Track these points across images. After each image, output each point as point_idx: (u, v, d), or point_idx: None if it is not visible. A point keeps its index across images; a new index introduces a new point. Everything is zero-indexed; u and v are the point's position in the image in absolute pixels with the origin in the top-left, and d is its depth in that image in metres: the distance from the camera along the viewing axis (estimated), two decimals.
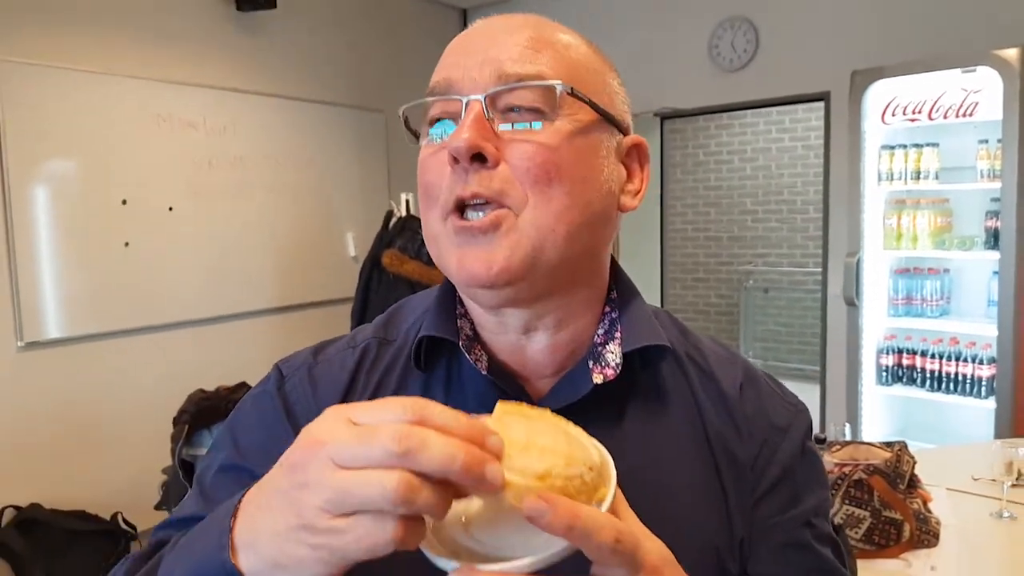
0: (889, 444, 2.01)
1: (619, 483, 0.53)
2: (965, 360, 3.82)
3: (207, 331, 4.34)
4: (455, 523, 0.54)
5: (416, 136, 0.74)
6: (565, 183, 0.67)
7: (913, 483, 1.92)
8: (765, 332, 7.39)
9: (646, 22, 5.13)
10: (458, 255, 0.68)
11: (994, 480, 2.08)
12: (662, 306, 3.76)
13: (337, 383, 0.76)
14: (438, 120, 0.71)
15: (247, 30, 4.50)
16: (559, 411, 0.57)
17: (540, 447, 0.50)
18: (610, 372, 0.72)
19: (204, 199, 4.27)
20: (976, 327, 3.78)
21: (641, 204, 0.77)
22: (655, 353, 0.74)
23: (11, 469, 3.55)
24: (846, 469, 1.88)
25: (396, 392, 0.76)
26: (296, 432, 0.50)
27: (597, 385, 0.71)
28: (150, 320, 4.07)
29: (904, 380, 4.07)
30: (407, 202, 3.94)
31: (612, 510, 0.51)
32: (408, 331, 0.79)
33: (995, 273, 3.65)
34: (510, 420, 0.53)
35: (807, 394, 0.87)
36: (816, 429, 0.83)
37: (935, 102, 3.78)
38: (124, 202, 3.92)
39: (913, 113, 3.85)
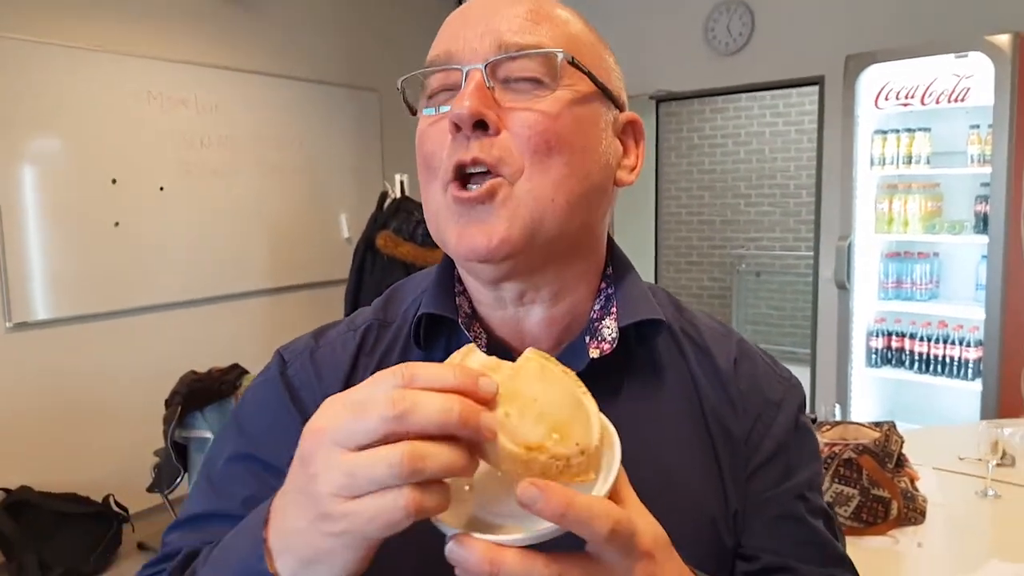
0: (878, 424, 2.03)
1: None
2: (953, 343, 3.86)
3: (199, 312, 4.33)
4: (463, 494, 0.54)
5: (413, 111, 0.74)
6: (565, 152, 0.67)
7: (901, 462, 1.94)
8: (757, 315, 7.42)
9: (642, 5, 5.11)
10: (457, 230, 0.68)
11: (980, 460, 2.10)
12: None
13: (340, 366, 0.76)
14: (437, 92, 0.71)
15: (238, 6, 4.45)
16: None
17: (542, 412, 0.49)
18: (606, 346, 0.73)
19: (195, 178, 4.24)
20: (964, 310, 3.81)
21: (636, 184, 0.77)
22: (651, 328, 0.74)
23: (1, 452, 3.54)
24: (836, 448, 1.90)
25: None
26: (303, 416, 0.51)
27: (594, 359, 0.72)
28: (141, 301, 4.05)
29: (893, 362, 4.10)
30: (401, 183, 3.93)
31: (614, 491, 0.51)
32: (407, 311, 0.80)
33: (984, 257, 3.68)
34: (529, 372, 0.52)
35: (798, 376, 0.88)
36: (807, 410, 0.84)
37: (927, 87, 3.79)
38: (114, 181, 3.89)
39: (906, 98, 3.86)
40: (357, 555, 0.49)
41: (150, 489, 3.63)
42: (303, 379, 0.76)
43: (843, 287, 4.05)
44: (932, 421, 3.85)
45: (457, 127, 0.66)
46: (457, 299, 0.76)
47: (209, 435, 3.46)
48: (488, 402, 0.48)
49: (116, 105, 3.90)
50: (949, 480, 2.14)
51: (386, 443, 0.46)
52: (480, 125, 0.66)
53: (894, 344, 4.09)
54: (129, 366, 4.01)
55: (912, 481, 1.92)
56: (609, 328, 0.74)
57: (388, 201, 3.93)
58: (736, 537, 0.75)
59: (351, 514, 0.46)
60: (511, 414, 0.48)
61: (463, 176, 0.68)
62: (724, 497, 0.74)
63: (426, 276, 0.81)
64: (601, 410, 0.54)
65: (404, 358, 0.76)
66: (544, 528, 0.48)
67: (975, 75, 3.64)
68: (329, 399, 0.49)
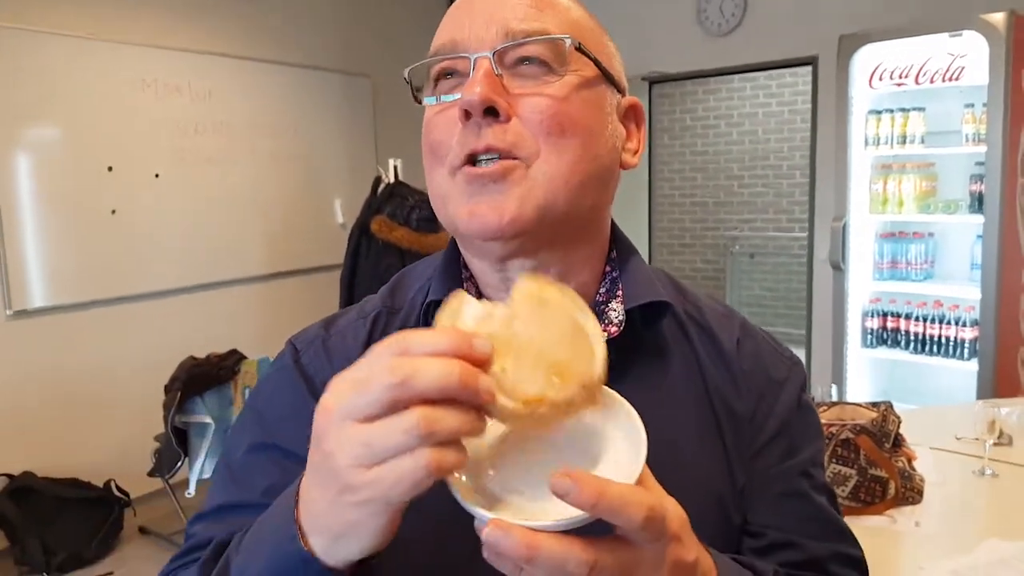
0: (875, 405, 2.04)
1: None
2: (948, 323, 3.87)
3: (196, 298, 4.33)
4: (487, 478, 0.54)
5: (418, 100, 0.74)
6: (578, 135, 0.68)
7: (898, 442, 1.95)
8: (751, 297, 7.44)
9: None
10: (469, 207, 0.68)
11: (976, 439, 2.12)
12: None
13: (351, 354, 0.76)
14: (442, 80, 0.71)
15: None
16: None
17: (540, 354, 0.50)
18: (613, 329, 0.74)
19: (191, 165, 4.24)
20: (959, 290, 3.83)
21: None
22: (656, 310, 0.75)
23: (3, 438, 3.55)
24: (833, 429, 1.91)
25: None
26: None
27: None
28: (139, 288, 4.05)
29: (889, 343, 4.12)
30: (395, 168, 3.92)
31: (639, 478, 0.52)
32: (414, 298, 0.80)
33: (979, 237, 3.69)
34: (524, 310, 0.52)
35: None
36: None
37: (922, 66, 3.79)
38: (110, 169, 3.88)
39: (900, 77, 3.86)
40: (383, 521, 0.50)
41: (151, 474, 3.65)
42: (317, 367, 0.77)
43: (838, 268, 4.06)
44: (928, 401, 3.87)
45: (467, 114, 0.66)
46: (464, 284, 0.76)
47: (209, 420, 3.47)
48: (484, 362, 0.48)
49: (111, 93, 3.88)
50: (946, 460, 2.16)
51: (392, 411, 0.46)
52: (491, 112, 0.66)
53: (889, 324, 4.11)
54: (128, 352, 4.01)
55: (909, 461, 1.94)
56: (616, 311, 0.75)
57: (382, 186, 3.92)
58: (742, 514, 0.76)
59: (374, 482, 0.47)
60: (507, 368, 0.49)
61: (474, 163, 0.68)
62: (730, 475, 0.76)
63: (431, 262, 0.82)
64: None
65: None
66: (578, 514, 0.49)
67: (969, 54, 3.64)
68: (334, 379, 0.50)
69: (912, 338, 4.01)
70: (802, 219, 6.58)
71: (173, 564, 0.73)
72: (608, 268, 0.79)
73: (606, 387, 0.55)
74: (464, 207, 0.68)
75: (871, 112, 3.98)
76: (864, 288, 4.14)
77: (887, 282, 4.07)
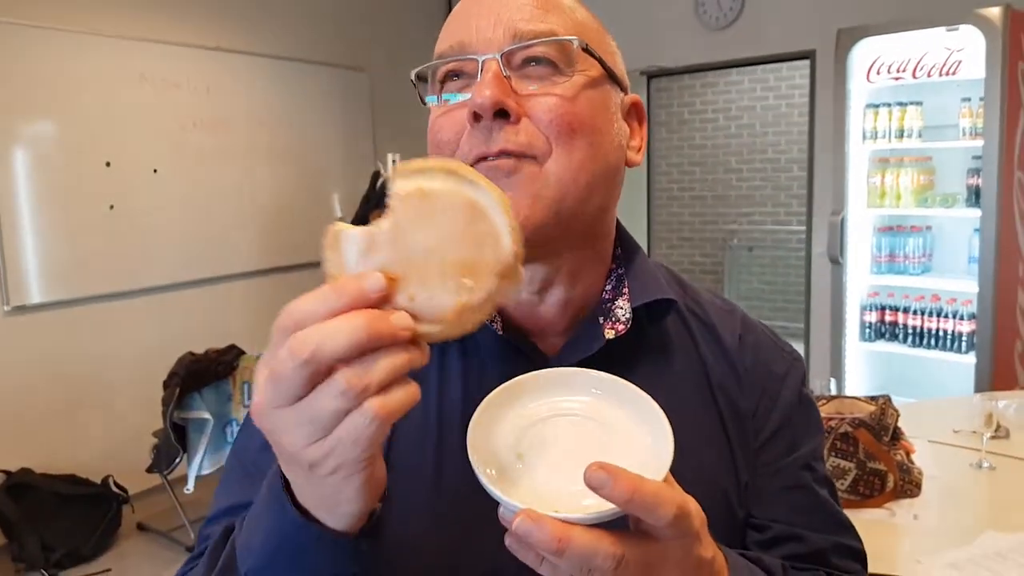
0: (873, 398, 2.05)
1: None
2: (946, 316, 3.88)
3: (194, 293, 4.33)
4: (516, 471, 0.55)
5: (424, 101, 0.74)
6: (587, 134, 0.69)
7: (896, 436, 1.96)
8: (749, 290, 7.44)
9: None
10: None
11: (974, 432, 2.13)
12: None
13: None
14: (447, 82, 0.71)
15: None
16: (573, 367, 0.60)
17: (443, 262, 0.48)
18: (621, 327, 0.74)
19: (189, 160, 4.23)
20: (957, 284, 3.83)
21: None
22: (661, 307, 0.76)
23: (1, 434, 3.55)
24: (832, 422, 1.92)
25: None
26: None
27: (609, 340, 0.73)
28: (137, 283, 4.05)
29: (887, 336, 4.13)
30: (394, 162, 3.92)
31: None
32: None
33: (976, 230, 3.69)
34: (408, 214, 0.49)
35: None
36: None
37: (919, 61, 3.79)
38: (108, 164, 3.88)
39: (897, 71, 3.86)
40: (362, 478, 0.50)
41: (149, 470, 3.65)
42: None
43: (836, 262, 4.07)
44: (926, 394, 3.87)
45: (477, 117, 0.66)
46: None
47: (207, 416, 3.47)
48: (386, 298, 0.47)
49: (109, 88, 3.88)
50: (944, 453, 2.17)
51: (317, 383, 0.46)
52: (501, 114, 0.66)
53: (887, 318, 4.11)
54: (126, 348, 4.01)
55: (908, 454, 1.95)
56: (623, 309, 0.75)
57: (381, 180, 3.93)
58: (746, 509, 0.77)
59: (333, 449, 0.47)
60: (415, 294, 0.47)
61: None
62: (735, 470, 0.76)
63: None
64: None
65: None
66: (609, 508, 0.49)
67: (966, 48, 3.64)
68: (255, 375, 0.50)
69: (910, 332, 4.02)
70: (800, 213, 6.58)
71: (188, 565, 0.74)
72: (614, 265, 0.79)
73: (631, 384, 0.56)
74: None
75: (869, 106, 3.98)
76: (862, 282, 4.15)
77: (885, 276, 4.08)
